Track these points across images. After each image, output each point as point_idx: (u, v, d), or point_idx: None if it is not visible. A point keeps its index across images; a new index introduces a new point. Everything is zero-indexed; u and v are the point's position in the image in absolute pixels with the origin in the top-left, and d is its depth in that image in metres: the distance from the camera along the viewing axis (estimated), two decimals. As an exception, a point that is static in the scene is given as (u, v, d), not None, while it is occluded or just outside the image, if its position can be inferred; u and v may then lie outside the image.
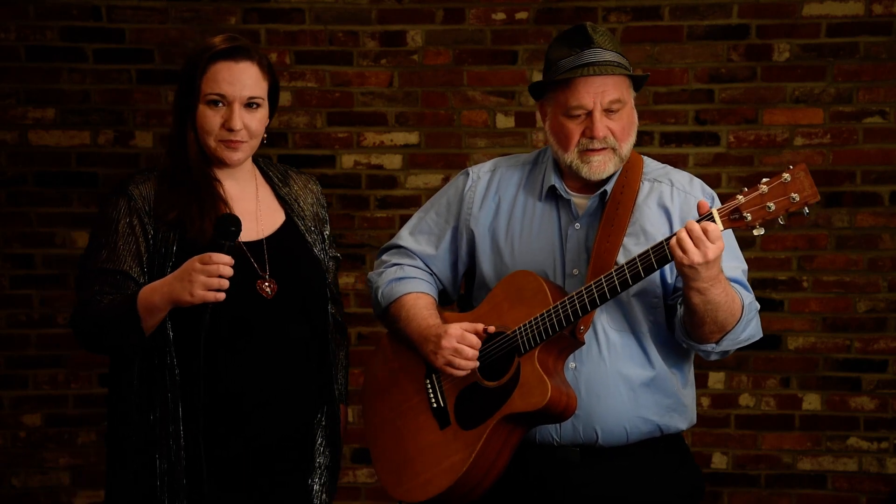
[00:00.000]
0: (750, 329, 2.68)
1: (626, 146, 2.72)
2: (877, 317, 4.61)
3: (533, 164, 2.89)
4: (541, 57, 4.63)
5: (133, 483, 2.66)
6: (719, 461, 4.69)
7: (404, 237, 2.97)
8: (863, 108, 4.57)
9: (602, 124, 2.66)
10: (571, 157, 2.71)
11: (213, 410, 2.66)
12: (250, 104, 2.70)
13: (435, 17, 4.67)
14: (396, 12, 4.67)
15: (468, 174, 2.93)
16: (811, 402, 4.65)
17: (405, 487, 2.82)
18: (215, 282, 2.50)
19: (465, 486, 2.71)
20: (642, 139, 4.45)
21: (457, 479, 2.70)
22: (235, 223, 2.58)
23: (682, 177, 2.82)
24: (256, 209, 2.78)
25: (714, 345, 2.66)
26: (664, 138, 4.64)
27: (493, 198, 2.87)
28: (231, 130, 2.67)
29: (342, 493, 4.71)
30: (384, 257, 2.99)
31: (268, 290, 2.71)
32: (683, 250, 2.46)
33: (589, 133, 2.67)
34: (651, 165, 2.84)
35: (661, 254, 2.52)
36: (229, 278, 2.55)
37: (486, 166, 2.94)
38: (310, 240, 2.84)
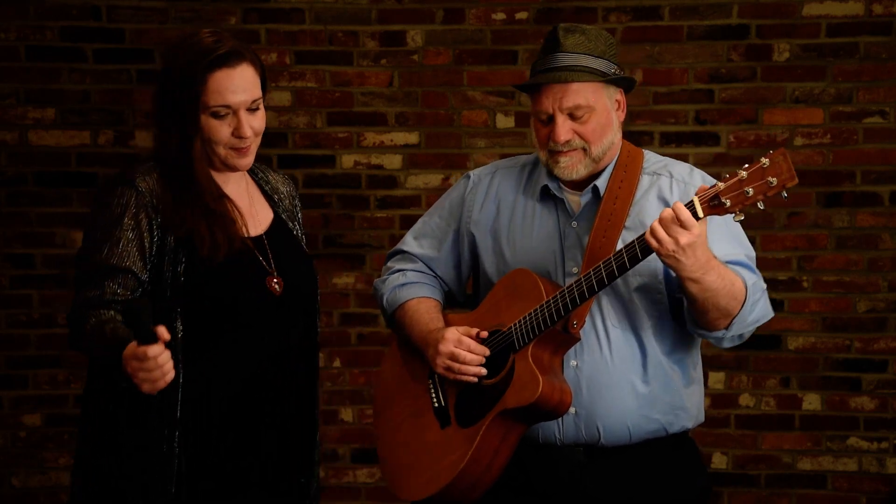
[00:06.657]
0: (758, 310, 2.67)
1: (599, 147, 2.71)
2: (877, 317, 4.61)
3: (532, 164, 2.89)
4: (541, 57, 4.65)
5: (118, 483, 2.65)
6: (719, 461, 4.69)
7: (408, 242, 2.99)
8: (863, 108, 4.57)
9: (565, 128, 2.68)
10: (544, 157, 2.75)
11: (215, 412, 2.64)
12: (252, 108, 2.69)
13: (435, 17, 4.67)
14: (396, 12, 4.67)
15: (469, 177, 2.95)
16: (811, 402, 4.64)
17: (410, 487, 2.84)
18: (158, 374, 2.44)
19: (464, 484, 2.72)
20: (642, 139, 4.44)
21: (454, 477, 2.70)
22: (142, 303, 2.49)
23: (682, 168, 2.81)
24: (250, 206, 2.76)
25: (724, 331, 2.65)
26: (664, 138, 4.63)
27: (493, 200, 2.88)
28: (242, 138, 2.67)
29: (342, 493, 4.73)
30: (389, 264, 3.01)
31: (276, 287, 2.69)
32: (657, 239, 2.47)
33: (553, 136, 2.69)
34: (651, 159, 2.83)
35: (645, 244, 2.51)
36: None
37: (486, 169, 2.96)
38: (298, 237, 2.84)
